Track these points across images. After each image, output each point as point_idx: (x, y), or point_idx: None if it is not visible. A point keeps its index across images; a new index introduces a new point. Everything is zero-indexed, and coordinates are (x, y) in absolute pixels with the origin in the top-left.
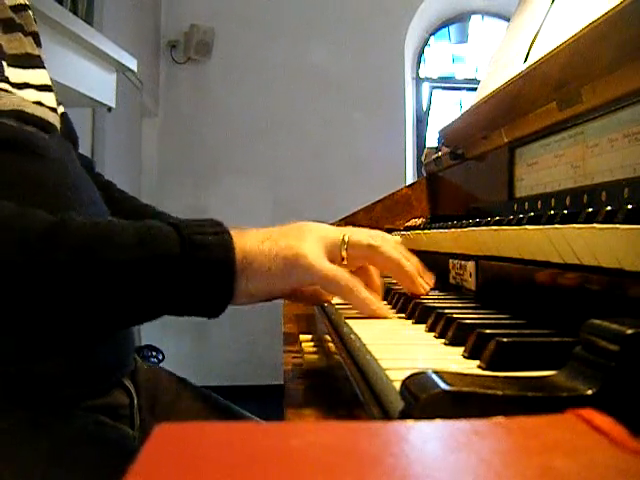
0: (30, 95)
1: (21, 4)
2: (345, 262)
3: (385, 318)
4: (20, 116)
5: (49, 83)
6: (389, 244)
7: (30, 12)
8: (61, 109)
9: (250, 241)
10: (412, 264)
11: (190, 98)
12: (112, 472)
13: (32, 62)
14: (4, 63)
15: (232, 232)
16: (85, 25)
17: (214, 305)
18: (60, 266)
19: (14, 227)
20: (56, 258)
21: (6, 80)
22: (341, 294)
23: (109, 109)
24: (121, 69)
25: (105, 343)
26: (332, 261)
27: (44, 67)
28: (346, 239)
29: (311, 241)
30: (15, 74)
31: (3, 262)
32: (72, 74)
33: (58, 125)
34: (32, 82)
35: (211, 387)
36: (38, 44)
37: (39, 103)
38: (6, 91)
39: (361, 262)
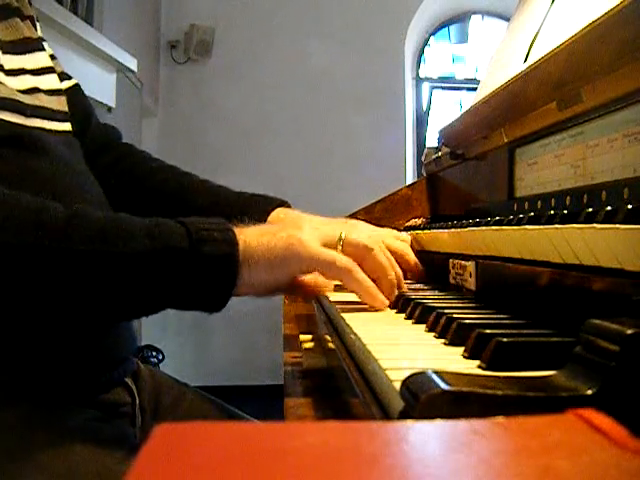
0: (26, 82)
1: None
2: None
3: (379, 310)
4: (15, 106)
5: (49, 64)
6: (382, 250)
7: None
8: (67, 83)
9: (250, 236)
10: (394, 277)
11: (190, 98)
12: (111, 465)
13: (30, 46)
14: None
15: (235, 228)
16: (85, 25)
17: (217, 297)
18: (76, 254)
19: (34, 215)
20: (73, 246)
21: (1, 68)
22: (340, 276)
23: (109, 109)
24: (121, 69)
25: (107, 338)
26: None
27: (43, 49)
28: (343, 236)
29: (308, 230)
30: (11, 60)
31: (24, 246)
32: (72, 74)
33: (61, 107)
34: (29, 67)
35: (211, 387)
36: (35, 27)
37: (35, 89)
38: None
39: (353, 260)
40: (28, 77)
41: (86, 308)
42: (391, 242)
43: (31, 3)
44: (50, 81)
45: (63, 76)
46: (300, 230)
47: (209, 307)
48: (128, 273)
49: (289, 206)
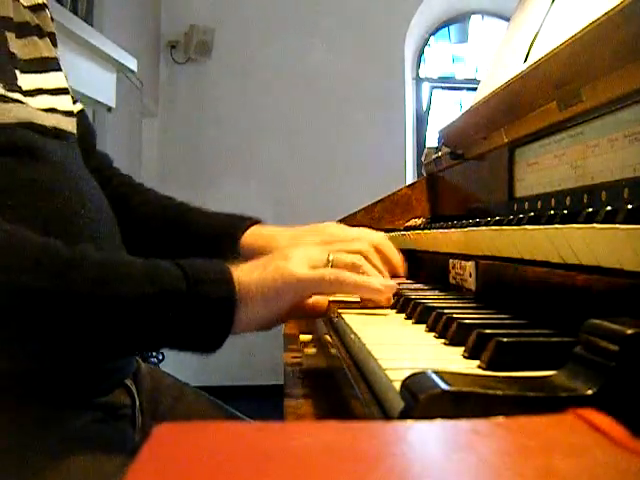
0: (43, 102)
1: (39, 3)
2: None
3: (386, 301)
4: (31, 127)
5: (64, 85)
6: (370, 265)
7: (48, 12)
8: (77, 107)
9: (243, 275)
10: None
11: (190, 98)
12: (111, 470)
13: (47, 66)
14: (17, 71)
15: (230, 268)
16: (85, 25)
17: (213, 339)
18: (75, 297)
19: (34, 258)
20: (72, 290)
21: (19, 90)
22: (336, 289)
23: (109, 109)
24: (121, 69)
25: None
26: None
27: (60, 69)
28: (331, 258)
29: (296, 259)
30: (28, 80)
31: (24, 289)
32: (72, 74)
33: (74, 129)
34: (46, 87)
35: (211, 387)
36: (54, 44)
37: (53, 110)
38: (17, 101)
39: None
40: (46, 97)
41: (83, 346)
42: (381, 242)
43: (53, 19)
44: (65, 103)
45: (73, 99)
46: (288, 260)
47: (205, 349)
48: (126, 316)
49: (262, 223)
